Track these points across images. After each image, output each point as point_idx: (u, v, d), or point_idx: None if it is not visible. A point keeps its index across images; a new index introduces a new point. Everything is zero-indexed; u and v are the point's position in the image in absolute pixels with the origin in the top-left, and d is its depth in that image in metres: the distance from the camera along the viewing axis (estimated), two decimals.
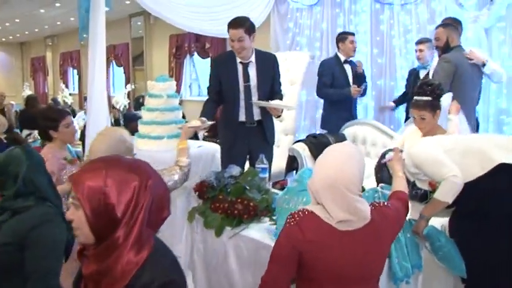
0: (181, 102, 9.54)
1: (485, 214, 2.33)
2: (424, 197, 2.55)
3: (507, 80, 4.40)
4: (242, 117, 3.73)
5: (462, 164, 2.33)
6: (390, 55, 5.50)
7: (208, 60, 8.79)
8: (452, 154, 2.36)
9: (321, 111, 6.06)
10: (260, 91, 3.71)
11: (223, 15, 6.00)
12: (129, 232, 1.26)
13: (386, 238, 1.84)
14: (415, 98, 3.17)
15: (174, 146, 3.90)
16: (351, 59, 5.08)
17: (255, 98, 3.70)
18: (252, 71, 3.70)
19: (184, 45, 9.40)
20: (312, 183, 1.78)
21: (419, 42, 4.77)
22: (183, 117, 7.82)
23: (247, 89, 3.69)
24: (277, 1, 6.54)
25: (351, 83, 4.97)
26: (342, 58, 5.03)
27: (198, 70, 9.70)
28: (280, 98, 3.82)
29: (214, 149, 4.08)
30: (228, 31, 3.59)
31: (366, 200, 2.25)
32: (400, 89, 5.35)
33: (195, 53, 9.29)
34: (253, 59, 3.69)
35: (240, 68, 3.69)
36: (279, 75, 3.86)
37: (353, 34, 5.12)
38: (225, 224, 2.69)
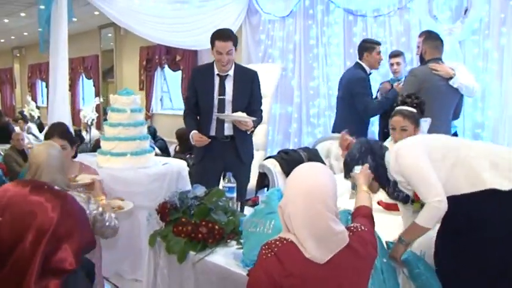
0: (152, 116, 9.48)
1: (470, 233, 2.19)
2: (405, 199, 2.46)
3: (481, 94, 4.35)
4: (213, 131, 3.61)
5: (450, 176, 2.20)
6: None
7: (179, 73, 8.66)
8: (441, 166, 2.22)
9: (295, 125, 5.98)
10: (235, 106, 3.60)
11: (194, 26, 5.92)
12: None
13: (367, 265, 1.73)
14: (399, 107, 3.08)
15: (139, 164, 3.77)
16: (373, 71, 4.67)
17: (227, 112, 3.58)
18: (229, 85, 3.59)
19: (154, 57, 9.25)
20: (285, 206, 1.66)
21: (394, 56, 4.69)
22: (155, 131, 7.80)
23: (222, 102, 3.58)
24: (249, 12, 6.44)
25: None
26: (368, 70, 4.57)
27: (169, 83, 9.55)
28: (259, 117, 3.68)
29: (180, 166, 3.94)
30: (214, 43, 3.48)
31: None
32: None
33: (166, 66, 9.15)
34: (231, 72, 3.59)
35: (216, 80, 3.59)
36: (260, 93, 3.74)
37: (380, 44, 4.65)
38: (188, 248, 2.52)
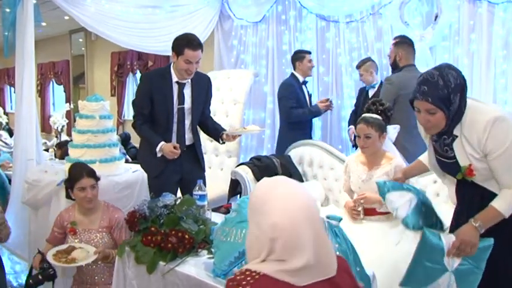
0: (123, 122, 9.34)
1: None
2: (450, 158, 2.25)
3: None
4: (173, 142, 3.44)
5: None
6: (336, 73, 5.43)
7: None
8: None
9: (268, 131, 5.94)
10: (194, 114, 3.49)
11: (166, 31, 5.84)
12: None
13: None
14: (364, 115, 3.10)
15: (108, 171, 3.68)
16: (307, 78, 4.91)
17: (187, 121, 3.47)
18: (187, 92, 3.45)
19: (126, 63, 9.15)
20: (263, 233, 1.36)
21: (357, 67, 4.73)
22: (128, 137, 7.67)
23: (181, 111, 3.44)
24: (221, 18, 6.39)
25: (309, 104, 4.85)
26: (300, 78, 4.84)
27: None
28: (212, 121, 3.65)
29: None
30: (183, 51, 3.25)
31: None
32: (347, 107, 5.29)
33: (138, 71, 9.04)
34: (188, 79, 3.44)
35: (175, 88, 3.41)
36: (211, 98, 3.67)
37: (310, 52, 4.96)
38: (158, 259, 2.45)
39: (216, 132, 3.57)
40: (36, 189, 3.65)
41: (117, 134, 4.95)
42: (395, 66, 4.11)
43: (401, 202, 2.54)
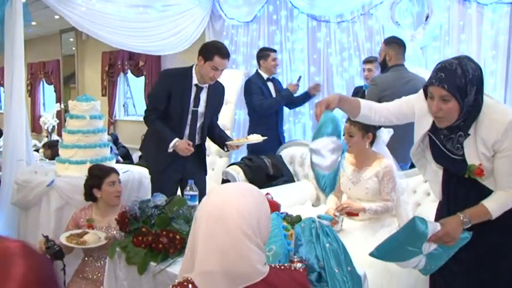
0: (115, 123, 9.30)
1: None
2: (459, 156, 2.19)
3: None
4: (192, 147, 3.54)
5: None
6: (327, 73, 5.43)
7: (143, 78, 8.53)
8: None
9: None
10: (205, 118, 3.60)
11: (157, 31, 5.83)
12: None
13: None
14: None
15: None
16: (273, 76, 5.01)
17: (199, 123, 3.59)
18: (203, 97, 3.54)
19: (117, 63, 9.10)
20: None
21: (367, 61, 4.73)
22: (116, 138, 7.64)
23: (195, 114, 3.54)
24: (212, 18, 6.38)
25: None
26: (265, 76, 4.92)
27: (132, 89, 9.41)
28: (219, 129, 3.77)
29: (142, 174, 3.84)
30: (213, 58, 3.33)
31: (302, 231, 2.09)
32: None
33: (129, 71, 9.01)
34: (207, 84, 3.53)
35: (193, 90, 3.50)
36: (222, 106, 3.79)
37: (275, 51, 5.04)
38: (149, 259, 2.44)
39: (221, 140, 3.69)
40: (26, 190, 3.63)
41: (108, 134, 4.94)
42: (384, 66, 4.11)
43: None
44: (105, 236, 2.93)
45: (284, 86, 5.12)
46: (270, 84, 4.96)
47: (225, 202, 1.39)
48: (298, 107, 5.35)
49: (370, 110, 2.39)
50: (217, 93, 3.64)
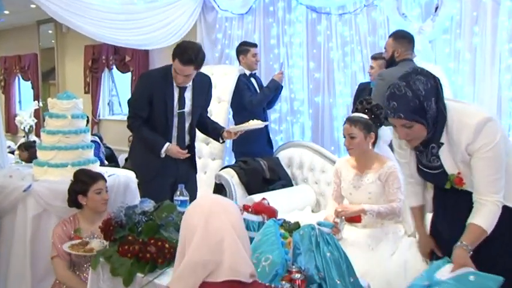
0: (99, 122, 9.28)
1: None
2: (436, 168, 2.28)
3: (453, 97, 4.40)
4: (172, 144, 3.60)
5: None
6: (328, 69, 5.44)
7: (129, 75, 8.51)
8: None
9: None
10: (193, 117, 3.64)
11: (144, 23, 5.81)
12: None
13: None
14: (351, 114, 3.16)
15: None
16: (254, 72, 5.11)
17: (187, 124, 3.62)
18: (188, 96, 3.58)
19: (101, 57, 9.06)
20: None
21: (372, 58, 4.75)
22: (100, 139, 7.63)
23: (182, 116, 3.57)
24: (204, 9, 6.38)
25: None
26: (246, 72, 5.03)
27: (118, 86, 9.38)
28: (210, 121, 3.83)
29: (128, 178, 3.84)
30: (175, 60, 3.39)
31: (301, 239, 2.10)
32: (339, 106, 5.32)
33: (114, 67, 8.98)
34: (190, 82, 3.55)
35: (176, 92, 3.53)
36: (211, 99, 3.84)
37: (255, 45, 5.13)
38: (135, 270, 2.44)
39: (215, 132, 3.74)
40: (0, 196, 3.61)
41: (91, 134, 4.93)
42: (391, 61, 4.12)
43: None
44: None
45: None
46: (253, 81, 5.05)
47: (212, 202, 1.66)
48: (276, 102, 5.41)
49: (419, 194, 2.54)
50: (203, 89, 3.67)
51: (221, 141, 3.78)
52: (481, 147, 2.09)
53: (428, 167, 2.31)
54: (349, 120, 3.09)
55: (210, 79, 3.78)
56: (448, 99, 2.22)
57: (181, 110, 3.56)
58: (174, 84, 3.52)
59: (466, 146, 2.12)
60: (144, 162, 3.69)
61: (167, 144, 3.51)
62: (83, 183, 3.18)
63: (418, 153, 2.33)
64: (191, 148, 3.75)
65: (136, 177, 3.81)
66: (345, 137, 3.12)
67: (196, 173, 3.90)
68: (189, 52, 3.37)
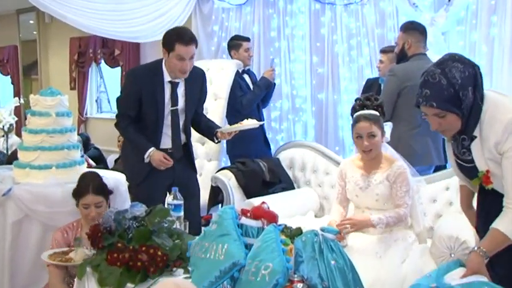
0: (86, 121, 9.28)
1: None
2: (468, 162, 2.29)
3: None
4: (166, 144, 3.59)
5: None
6: (333, 64, 5.46)
7: (119, 69, 8.50)
8: None
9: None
10: (187, 114, 3.64)
11: (135, 14, 5.81)
12: None
13: None
14: (361, 112, 3.13)
15: (67, 178, 3.66)
16: (248, 68, 5.14)
17: (181, 121, 3.62)
18: (181, 91, 3.58)
19: (88, 50, 9.05)
20: None
21: (381, 51, 4.77)
22: (88, 139, 7.63)
23: (175, 113, 3.57)
24: (200, 0, 6.39)
25: None
26: (240, 69, 5.04)
27: (107, 81, 9.37)
28: (205, 119, 3.82)
29: (117, 180, 3.84)
30: (174, 47, 3.36)
31: (303, 245, 2.11)
32: (344, 103, 5.32)
33: (103, 61, 8.97)
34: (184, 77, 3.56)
35: (167, 88, 3.52)
36: (206, 94, 3.84)
37: (248, 40, 5.17)
38: (125, 280, 2.44)
39: (210, 131, 3.72)
40: None
41: (78, 134, 4.93)
42: (402, 56, 4.13)
43: None
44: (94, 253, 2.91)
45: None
46: (246, 77, 5.08)
47: None
48: (270, 101, 5.45)
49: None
50: (197, 83, 3.66)
51: (216, 141, 3.76)
52: (510, 148, 2.09)
53: (462, 160, 2.32)
54: (367, 118, 3.07)
55: (203, 72, 3.77)
56: (488, 89, 2.22)
57: (174, 108, 3.56)
58: (165, 80, 3.51)
59: (495, 144, 2.12)
60: (132, 163, 3.70)
61: (151, 149, 3.47)
62: (75, 191, 3.19)
63: (453, 141, 2.35)
64: (188, 147, 3.76)
65: (127, 179, 3.81)
66: (359, 137, 3.09)
67: (196, 173, 3.90)
68: (186, 32, 3.49)
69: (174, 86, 3.54)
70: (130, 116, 3.56)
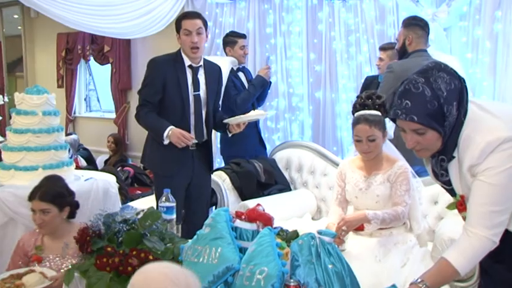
0: (74, 120, 9.26)
1: None
2: (447, 184, 2.13)
3: (471, 91, 4.39)
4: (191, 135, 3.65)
5: None
6: (330, 61, 5.46)
7: (109, 67, 8.48)
8: None
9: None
10: (209, 104, 3.75)
11: (125, 9, 5.79)
12: None
13: None
14: (361, 112, 3.10)
15: None
16: (243, 65, 5.15)
17: (204, 112, 3.73)
18: (202, 79, 3.71)
19: (77, 47, 9.01)
20: None
21: (380, 49, 4.78)
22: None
23: (198, 100, 3.67)
24: None
25: None
26: (235, 67, 5.05)
27: (96, 79, 9.34)
28: (220, 114, 3.91)
29: (107, 182, 3.85)
30: (181, 24, 3.61)
31: (300, 249, 2.11)
32: (342, 102, 5.35)
33: (92, 58, 8.94)
34: (202, 63, 3.72)
35: (189, 73, 3.67)
36: (222, 89, 4.00)
37: (244, 36, 5.18)
38: (115, 285, 2.44)
39: (224, 124, 3.80)
40: None
41: (66, 134, 4.93)
42: (403, 52, 4.14)
43: None
44: (50, 277, 2.87)
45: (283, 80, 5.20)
46: (241, 75, 5.08)
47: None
48: (265, 99, 5.42)
49: None
50: (214, 75, 3.81)
51: (229, 134, 3.82)
52: (485, 170, 1.89)
53: (441, 181, 2.16)
54: (367, 121, 3.02)
55: (219, 67, 3.92)
56: (473, 102, 2.01)
57: (196, 93, 3.66)
58: (186, 65, 3.66)
59: (470, 167, 1.93)
60: (158, 159, 3.73)
61: (170, 127, 3.51)
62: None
63: (431, 159, 2.14)
64: (209, 146, 3.85)
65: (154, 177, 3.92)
66: (359, 140, 3.08)
67: (210, 174, 4.00)
68: (189, 12, 3.80)
69: (194, 70, 3.67)
70: (152, 103, 3.63)
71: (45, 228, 3.07)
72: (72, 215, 3.20)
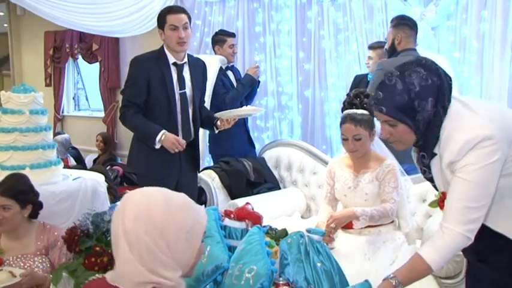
0: (62, 119, 9.22)
1: None
2: (430, 180, 2.17)
3: (458, 90, 4.43)
4: (179, 135, 3.62)
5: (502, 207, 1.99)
6: (319, 60, 5.47)
7: (97, 65, 8.45)
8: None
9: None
10: (195, 102, 3.70)
11: (112, 8, 5.78)
12: None
13: None
14: (349, 111, 3.11)
15: (42, 179, 3.63)
16: (232, 64, 5.16)
17: (190, 110, 3.69)
18: (187, 76, 3.65)
19: (64, 45, 8.97)
20: None
21: (369, 48, 4.80)
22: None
23: (184, 98, 3.62)
24: None
25: None
26: (223, 65, 5.05)
27: (85, 78, 9.30)
28: (205, 110, 3.90)
29: (96, 181, 3.83)
30: (166, 19, 3.52)
31: (289, 247, 2.11)
32: (331, 100, 5.35)
33: (80, 56, 8.90)
34: (186, 59, 3.65)
35: (173, 70, 3.60)
36: (206, 86, 3.92)
37: (233, 35, 5.18)
38: None
39: (210, 121, 3.79)
40: None
41: (54, 133, 4.90)
42: (392, 51, 4.16)
43: None
44: (20, 273, 2.80)
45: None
46: (230, 74, 5.08)
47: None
48: (254, 98, 5.41)
49: None
50: (199, 71, 3.75)
51: (216, 131, 3.81)
52: (464, 167, 1.92)
53: (424, 177, 2.21)
54: (353, 120, 3.03)
55: (204, 62, 3.86)
56: (458, 99, 2.04)
57: (182, 91, 3.61)
58: (170, 63, 3.58)
59: (449, 164, 1.96)
60: (144, 162, 3.67)
61: (163, 131, 3.46)
62: None
63: (416, 154, 2.20)
64: (195, 145, 3.81)
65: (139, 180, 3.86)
66: (345, 138, 3.08)
67: (197, 174, 3.98)
68: (173, 6, 3.75)
69: (179, 68, 3.61)
70: (137, 104, 3.56)
71: (5, 225, 2.98)
72: (34, 215, 3.13)
